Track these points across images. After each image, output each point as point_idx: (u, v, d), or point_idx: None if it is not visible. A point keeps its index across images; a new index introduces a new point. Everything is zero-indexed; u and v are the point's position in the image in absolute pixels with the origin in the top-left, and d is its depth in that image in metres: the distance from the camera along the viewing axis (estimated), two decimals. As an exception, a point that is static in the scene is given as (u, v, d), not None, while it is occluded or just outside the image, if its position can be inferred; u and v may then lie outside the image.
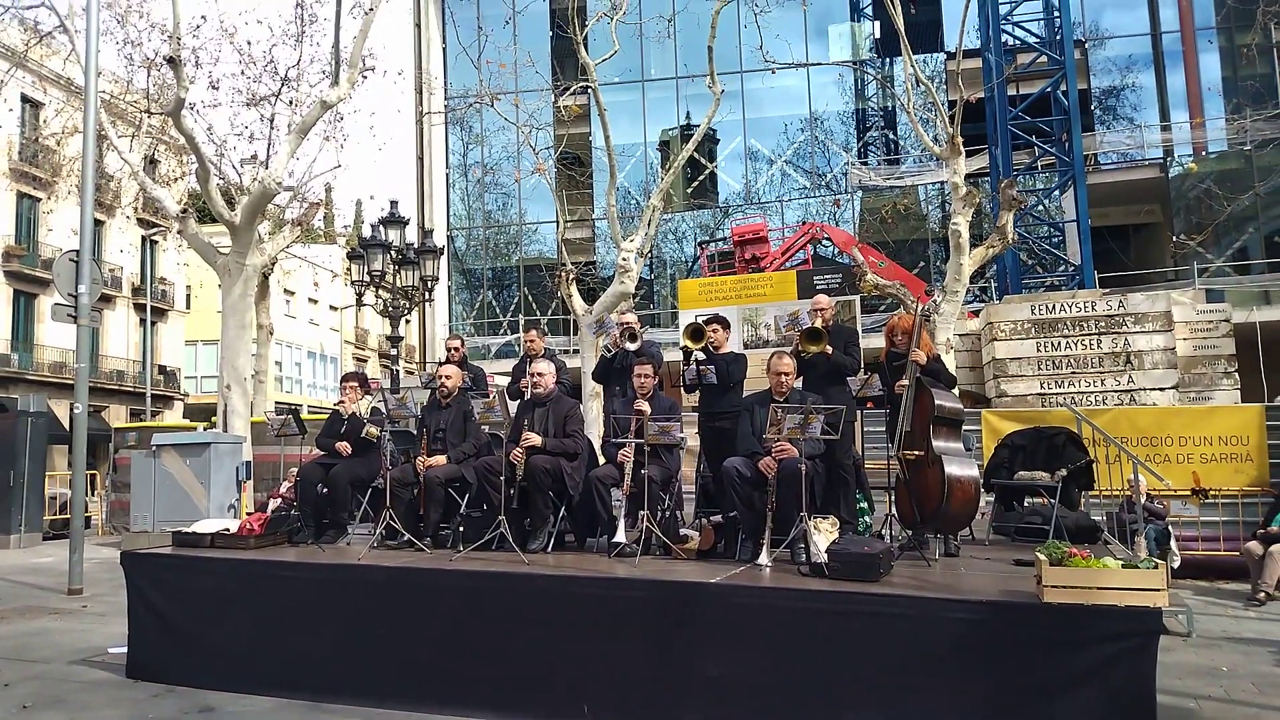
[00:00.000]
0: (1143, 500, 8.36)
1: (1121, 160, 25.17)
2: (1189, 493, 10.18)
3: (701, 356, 6.64)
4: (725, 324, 7.05)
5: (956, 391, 6.50)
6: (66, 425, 24.95)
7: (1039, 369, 12.63)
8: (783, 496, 5.33)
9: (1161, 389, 12.46)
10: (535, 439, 5.98)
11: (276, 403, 27.87)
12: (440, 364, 7.50)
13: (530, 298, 28.81)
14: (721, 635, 4.56)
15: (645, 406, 5.85)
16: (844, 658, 4.32)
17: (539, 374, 6.24)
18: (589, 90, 14.19)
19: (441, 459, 6.35)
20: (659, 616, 4.69)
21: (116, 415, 30.78)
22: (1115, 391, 12.49)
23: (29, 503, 13.92)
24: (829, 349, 6.30)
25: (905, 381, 5.66)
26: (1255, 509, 10.05)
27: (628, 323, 7.25)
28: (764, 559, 5.15)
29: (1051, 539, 6.34)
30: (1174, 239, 22.22)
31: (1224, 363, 12.80)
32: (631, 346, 7.01)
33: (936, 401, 5.55)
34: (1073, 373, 12.59)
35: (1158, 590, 4.00)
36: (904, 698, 4.18)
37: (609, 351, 7.20)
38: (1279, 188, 22.10)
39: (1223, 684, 5.74)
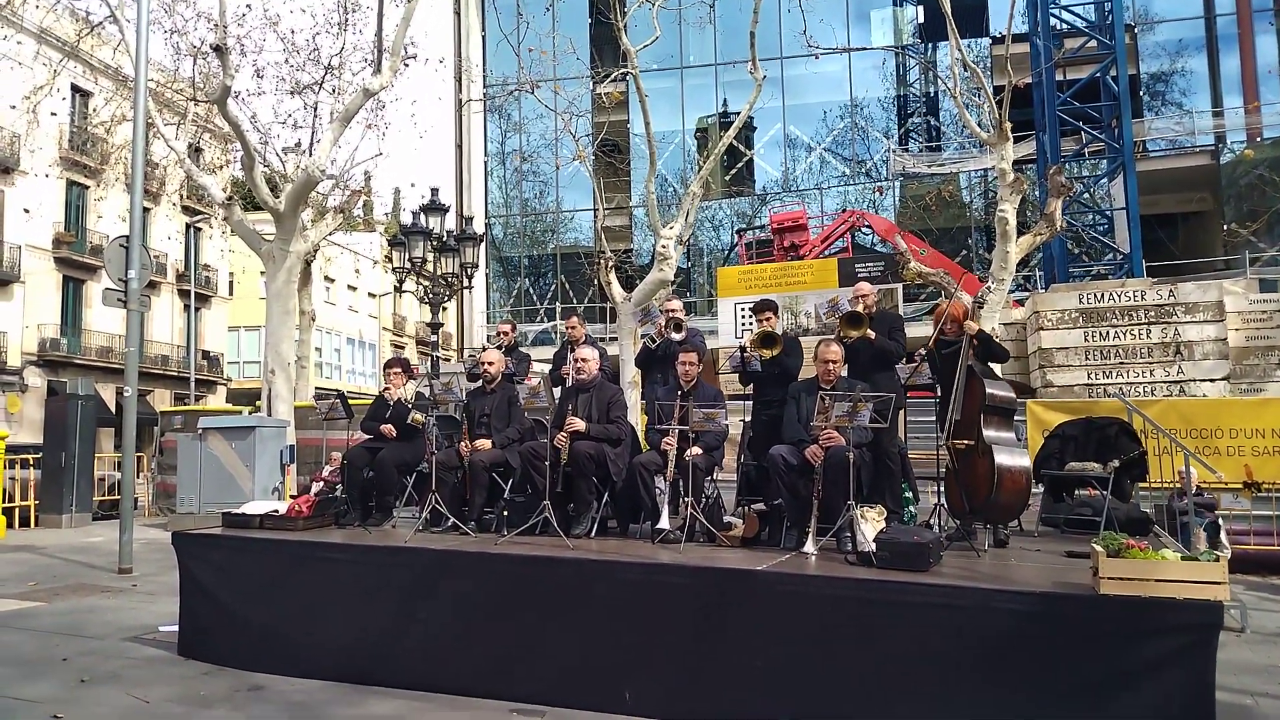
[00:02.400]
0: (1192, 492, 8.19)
1: (1171, 147, 24.63)
2: (1241, 486, 9.95)
3: (767, 355, 6.49)
4: (776, 309, 6.99)
5: (1004, 371, 6.39)
6: (113, 409, 25.60)
7: (1086, 359, 12.42)
8: (829, 485, 5.28)
9: (1212, 380, 12.21)
10: (579, 424, 5.98)
11: (317, 388, 28.23)
12: (483, 349, 7.53)
13: (567, 285, 28.88)
14: (767, 623, 4.52)
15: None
16: (892, 648, 4.27)
17: (583, 359, 6.23)
18: (629, 77, 14.14)
19: (486, 443, 6.38)
20: (704, 603, 4.67)
21: (161, 399, 31.38)
22: (1164, 382, 12.26)
23: (79, 484, 14.22)
24: (871, 333, 6.24)
25: (959, 360, 5.55)
26: (1310, 503, 9.81)
27: (673, 311, 7.22)
28: (810, 547, 5.11)
29: (1104, 531, 6.27)
30: (1226, 227, 21.69)
31: (1277, 353, 12.50)
32: (677, 336, 6.97)
33: (988, 390, 5.47)
34: (1120, 363, 12.37)
35: (1219, 583, 3.90)
36: (954, 689, 4.13)
37: (653, 341, 7.17)
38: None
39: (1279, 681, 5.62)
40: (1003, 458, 5.31)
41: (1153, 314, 12.35)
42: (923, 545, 4.65)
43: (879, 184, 26.28)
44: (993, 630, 4.10)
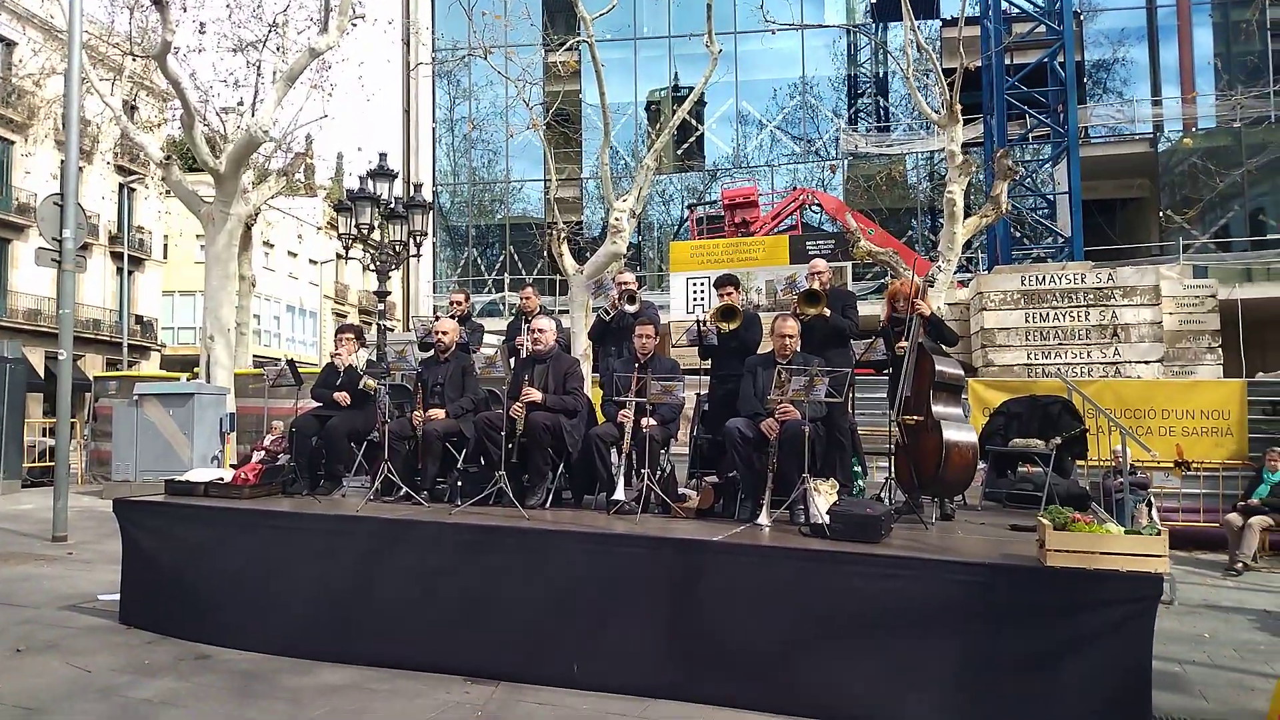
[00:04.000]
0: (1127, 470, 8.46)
1: (1111, 134, 25.18)
2: (1172, 465, 10.32)
3: (724, 329, 6.51)
4: (737, 284, 7.01)
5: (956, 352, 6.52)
6: (42, 373, 24.73)
7: (1026, 339, 12.74)
8: (784, 458, 5.34)
9: (1146, 362, 12.62)
10: (536, 394, 5.95)
11: (256, 356, 27.60)
12: (435, 318, 7.43)
13: (516, 256, 28.61)
14: (721, 593, 4.57)
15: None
16: (845, 618, 4.35)
17: (540, 330, 6.19)
18: (583, 45, 13.97)
19: (440, 413, 6.31)
20: (659, 573, 4.70)
21: (93, 365, 30.40)
22: (1101, 364, 12.64)
23: (8, 450, 13.77)
24: (827, 311, 6.31)
25: (905, 344, 5.65)
26: (1235, 482, 10.24)
27: (627, 284, 7.21)
28: (764, 519, 5.17)
29: (1045, 506, 6.45)
30: (1162, 214, 22.32)
31: (1208, 338, 12.95)
32: (631, 309, 6.99)
33: (937, 367, 5.56)
34: (1060, 344, 12.72)
35: (1159, 556, 4.05)
36: (904, 658, 4.22)
37: (606, 314, 7.16)
38: (1266, 165, 22.20)
39: (1205, 650, 5.87)
40: (951, 433, 5.42)
41: (1091, 297, 12.70)
42: (874, 518, 4.74)
43: (831, 162, 26.44)
44: (942, 601, 4.20)
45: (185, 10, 14.89)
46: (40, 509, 11.47)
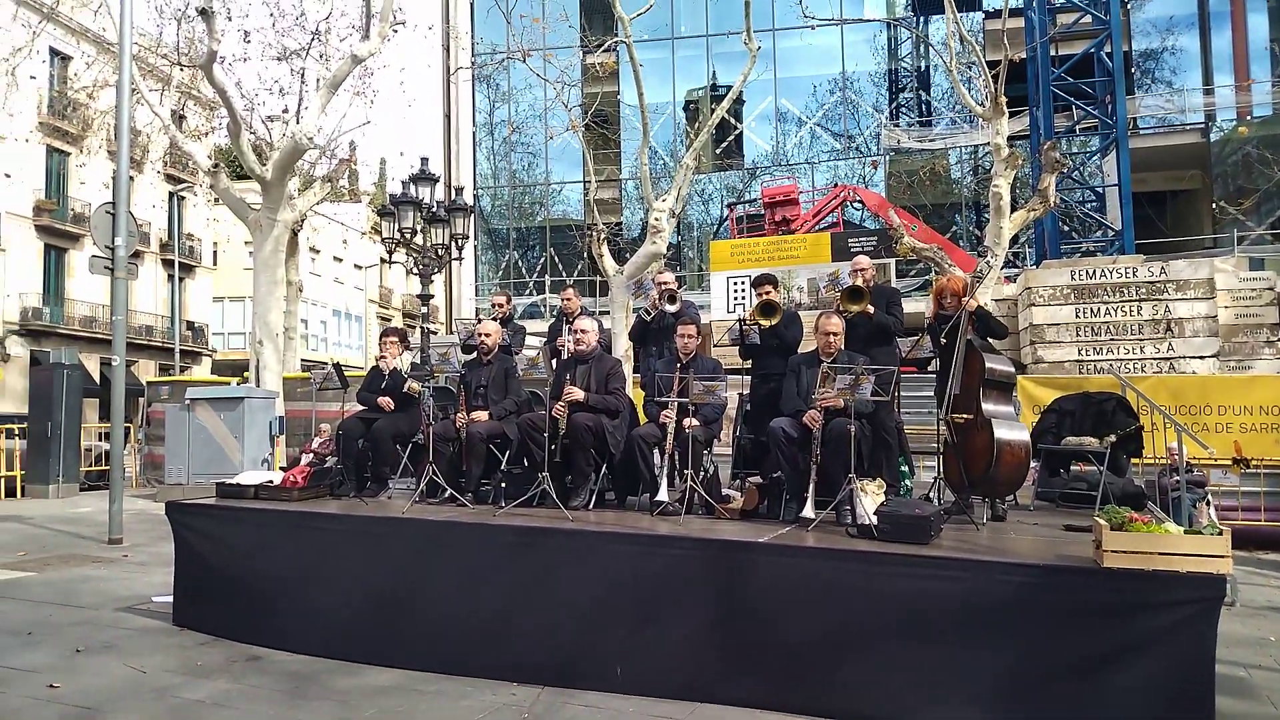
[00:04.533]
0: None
1: (1160, 125, 24.61)
2: (1230, 462, 10.04)
3: (765, 325, 6.50)
4: (775, 283, 6.96)
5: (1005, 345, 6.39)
6: (97, 379, 25.35)
7: (1077, 335, 12.47)
8: (829, 457, 5.28)
9: (1201, 357, 12.29)
10: (578, 393, 5.94)
11: (304, 360, 28.05)
12: (477, 320, 7.46)
13: (556, 258, 28.71)
14: (768, 596, 4.52)
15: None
16: (894, 621, 4.28)
17: (582, 331, 6.18)
18: (620, 46, 13.96)
19: (483, 415, 6.33)
20: (704, 575, 4.66)
21: (145, 370, 31.10)
22: (1154, 359, 12.34)
23: (66, 454, 14.12)
24: (870, 309, 6.22)
25: (958, 334, 5.54)
26: (1298, 479, 9.93)
27: (667, 284, 7.19)
28: (809, 511, 5.12)
29: (1099, 505, 6.30)
30: (1216, 205, 21.75)
31: (1266, 331, 12.58)
32: (671, 308, 6.95)
33: (987, 364, 5.46)
34: (1111, 339, 12.43)
35: (1221, 557, 3.93)
36: (956, 662, 4.14)
37: (647, 314, 7.13)
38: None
39: (1272, 654, 5.69)
40: (1002, 432, 5.31)
41: (1144, 291, 12.40)
42: (924, 518, 4.65)
43: (873, 158, 26.15)
44: (995, 603, 4.11)
45: (230, 19, 15.15)
46: (97, 512, 11.73)
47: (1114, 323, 12.44)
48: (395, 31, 13.93)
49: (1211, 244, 20.68)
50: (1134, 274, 12.47)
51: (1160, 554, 3.96)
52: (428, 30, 17.11)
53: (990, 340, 5.77)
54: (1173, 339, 12.26)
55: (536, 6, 16.51)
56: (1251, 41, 23.42)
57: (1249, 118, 23.14)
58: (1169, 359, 12.28)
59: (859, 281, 6.35)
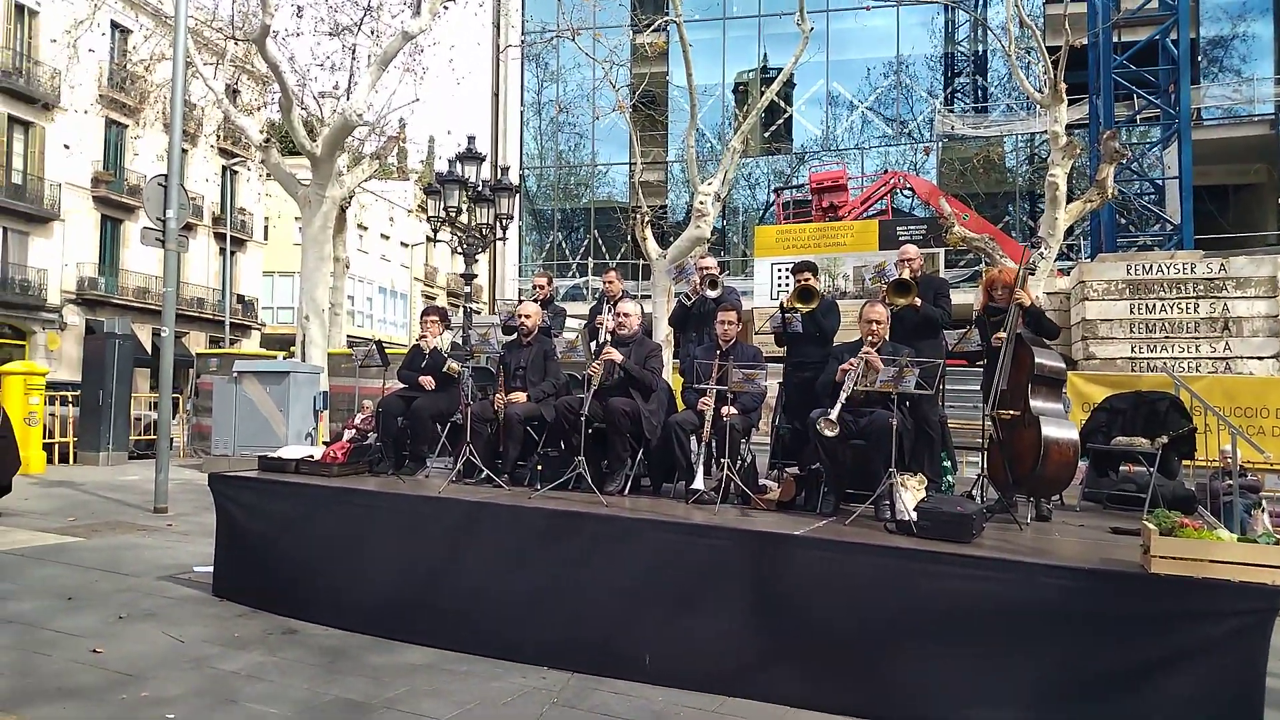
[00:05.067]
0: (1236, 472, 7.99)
1: (1226, 116, 23.80)
2: (1287, 467, 9.73)
3: (795, 307, 6.48)
4: (816, 271, 6.86)
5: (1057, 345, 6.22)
6: (149, 349, 25.92)
7: (1130, 331, 12.16)
8: (870, 450, 5.19)
9: (1260, 358, 11.91)
10: (616, 354, 5.92)
11: (349, 336, 28.41)
12: (518, 301, 7.45)
13: (600, 240, 28.67)
14: (804, 589, 4.46)
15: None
16: (932, 620, 4.19)
17: (624, 314, 6.13)
18: (670, 26, 13.82)
19: (521, 396, 6.33)
20: (738, 566, 4.61)
21: (196, 342, 31.74)
22: (1210, 358, 11.98)
23: (116, 423, 14.42)
24: (918, 301, 6.09)
25: (1004, 334, 5.41)
26: (1358, 487, 9.59)
27: (709, 269, 7.11)
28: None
29: (1148, 508, 6.12)
30: (1281, 200, 21.03)
31: (1330, 332, 12.15)
32: (713, 294, 6.88)
33: (1037, 360, 5.31)
34: (1166, 337, 12.10)
35: (1277, 567, 3.77)
36: (994, 665, 4.05)
37: (688, 299, 7.06)
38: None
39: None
40: (1050, 429, 5.17)
41: (1202, 288, 12.03)
42: (965, 516, 4.55)
43: (926, 144, 25.63)
44: (1037, 606, 4.00)
45: (284, -5, 15.27)
46: (144, 480, 11.97)
47: (1170, 319, 12.10)
48: (446, 9, 13.95)
49: (1276, 240, 20.01)
50: (1192, 270, 12.10)
51: (1211, 561, 3.82)
52: (478, 7, 17.09)
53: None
54: (1230, 338, 11.89)
55: (586, -16, 16.37)
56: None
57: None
58: (1225, 359, 11.92)
59: (906, 272, 6.22)
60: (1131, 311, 12.10)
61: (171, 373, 9.99)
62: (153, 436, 16.60)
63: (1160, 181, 20.48)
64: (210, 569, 6.35)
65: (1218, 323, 11.83)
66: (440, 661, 4.90)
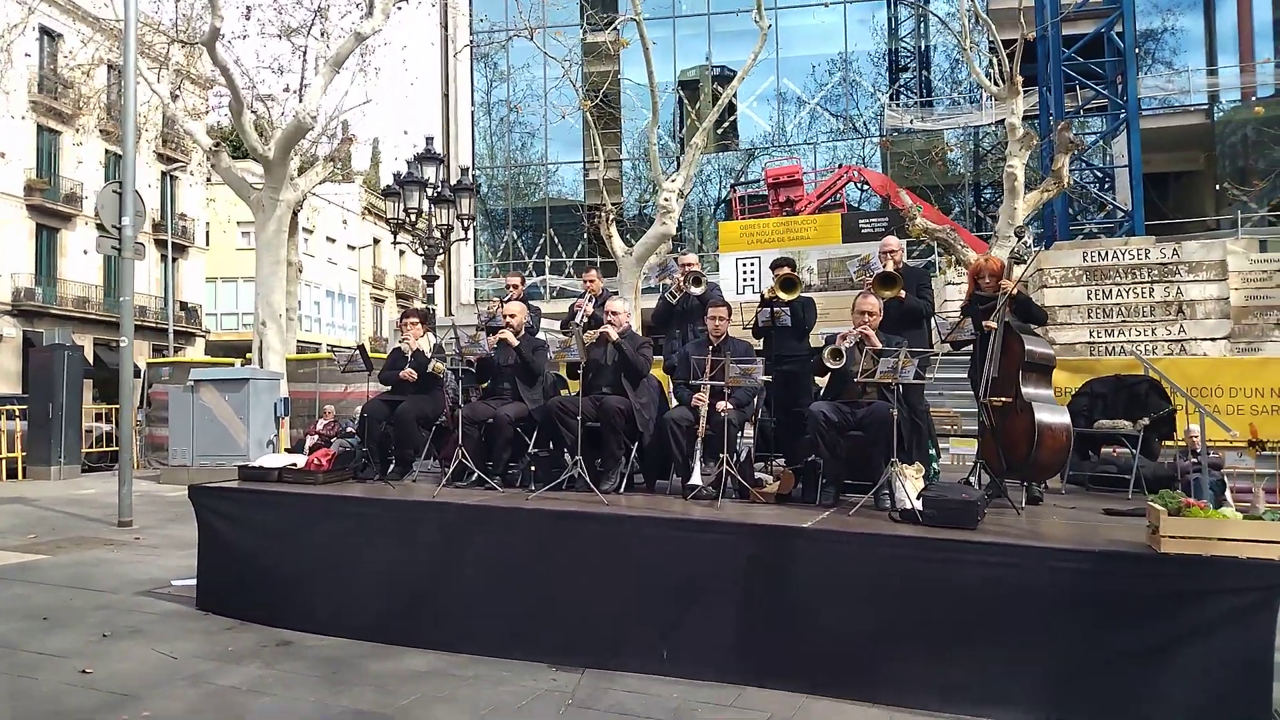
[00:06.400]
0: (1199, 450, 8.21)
1: (1161, 106, 24.51)
2: (1245, 444, 10.01)
3: (777, 297, 6.55)
4: (792, 265, 6.91)
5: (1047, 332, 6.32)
6: (91, 360, 25.10)
7: (1089, 317, 12.41)
8: (869, 442, 5.22)
9: (1213, 339, 12.25)
10: (613, 332, 5.90)
11: (298, 341, 27.83)
12: (502, 301, 7.37)
13: (556, 239, 28.52)
14: (813, 581, 4.46)
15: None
16: (943, 607, 4.22)
17: (613, 313, 6.08)
18: (625, 25, 13.78)
19: (509, 334, 6.28)
20: (748, 559, 4.60)
21: (139, 351, 30.78)
22: (1166, 341, 12.28)
23: (68, 436, 13.97)
24: (903, 293, 6.15)
25: (993, 322, 5.47)
26: (1312, 462, 9.92)
27: (691, 265, 7.10)
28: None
29: (1132, 488, 6.27)
30: (1221, 187, 21.69)
31: (1277, 313, 12.56)
32: (697, 291, 6.87)
33: (1027, 347, 5.37)
34: (1123, 321, 12.38)
35: (1281, 543, 3.87)
36: (1007, 649, 4.09)
37: (672, 296, 7.03)
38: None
39: (1305, 638, 5.65)
40: (1043, 415, 5.24)
41: (1156, 273, 12.34)
42: (971, 503, 4.59)
43: (884, 139, 25.93)
44: (1050, 589, 4.05)
45: (231, -4, 14.88)
46: (102, 493, 11.63)
47: (1126, 304, 12.39)
48: (399, 8, 13.74)
49: (1215, 225, 20.65)
50: (1146, 255, 12.40)
51: (1220, 540, 3.91)
52: (431, 7, 16.84)
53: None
54: (1184, 321, 12.22)
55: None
56: (1256, 21, 23.30)
57: (1253, 98, 23.06)
58: (1180, 340, 12.24)
59: (890, 264, 6.28)
60: (1089, 297, 12.37)
61: (131, 383, 9.68)
62: (104, 449, 16.15)
63: (1109, 170, 20.99)
64: (191, 582, 6.17)
65: (1172, 306, 12.16)
66: (445, 666, 4.81)
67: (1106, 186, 21.67)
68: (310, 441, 11.31)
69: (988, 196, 26.74)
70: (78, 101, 22.41)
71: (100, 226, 9.82)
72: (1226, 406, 10.68)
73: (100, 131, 26.17)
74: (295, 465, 6.15)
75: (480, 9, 25.77)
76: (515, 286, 8.25)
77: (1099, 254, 12.46)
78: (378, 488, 6.04)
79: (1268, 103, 22.47)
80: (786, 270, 6.72)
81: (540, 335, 7.21)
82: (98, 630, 5.39)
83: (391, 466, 6.49)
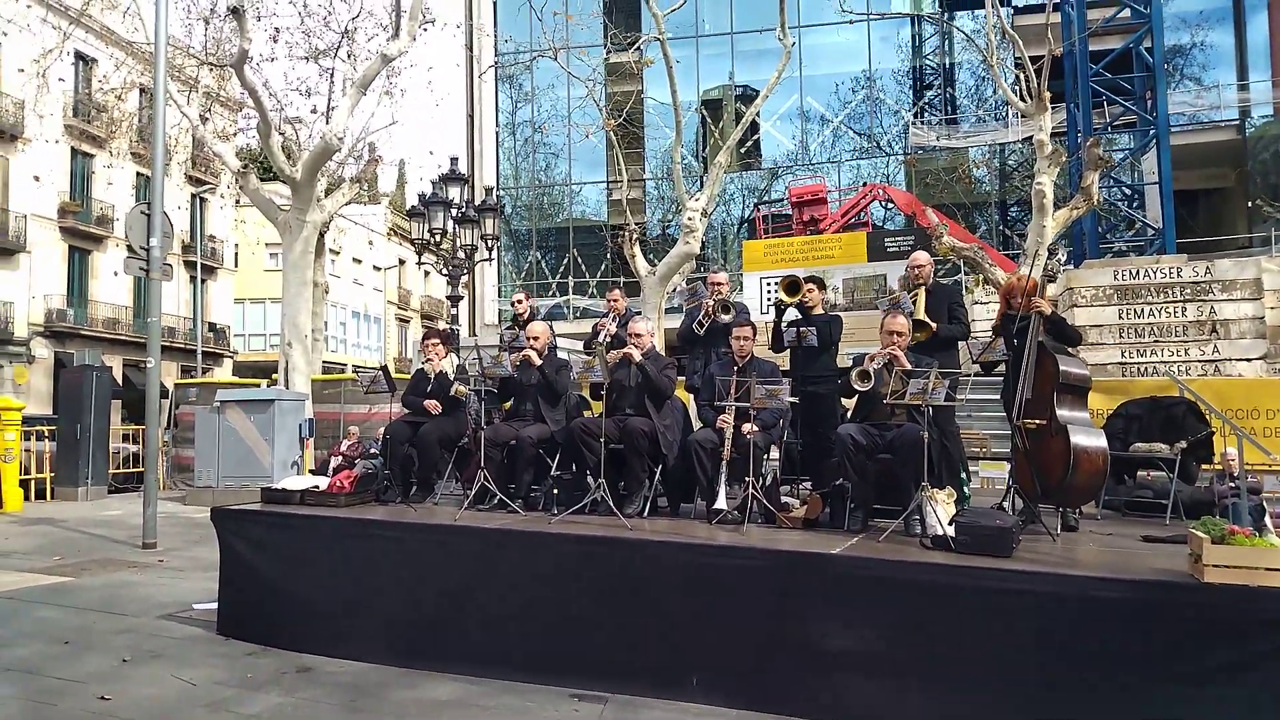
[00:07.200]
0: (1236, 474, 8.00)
1: (1190, 122, 24.23)
2: (1285, 467, 9.77)
3: (796, 316, 6.51)
4: (821, 284, 6.82)
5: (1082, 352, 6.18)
6: (120, 381, 25.37)
7: (1120, 337, 12.21)
8: (900, 465, 5.11)
9: (1248, 359, 12.00)
10: (636, 353, 5.84)
11: (325, 362, 27.99)
12: (524, 323, 7.33)
13: (579, 259, 28.57)
14: (844, 609, 4.35)
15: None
16: (978, 637, 4.09)
17: (637, 334, 6.01)
18: (649, 44, 13.80)
19: (535, 358, 6.24)
20: (776, 586, 4.50)
21: (167, 372, 31.12)
22: (1199, 361, 12.06)
23: (95, 457, 14.05)
24: (934, 326, 6.02)
25: (1029, 337, 5.34)
26: (1354, 485, 9.64)
27: (720, 286, 7.02)
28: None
29: (1170, 514, 6.10)
30: (1254, 203, 21.36)
31: (1314, 333, 12.29)
32: (726, 318, 6.73)
33: (1062, 368, 5.24)
34: (1155, 341, 12.16)
35: (1332, 572, 3.72)
36: (1049, 681, 3.95)
37: (700, 325, 6.91)
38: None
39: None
40: (1079, 438, 5.10)
41: (1188, 291, 12.12)
42: (1005, 530, 4.47)
43: (910, 156, 25.79)
44: (1091, 619, 3.91)
45: (260, 19, 15.08)
46: (128, 515, 11.66)
47: (1158, 324, 12.17)
48: (425, 30, 13.85)
49: (1248, 243, 20.32)
50: (1178, 274, 12.19)
51: (1266, 569, 3.76)
52: (456, 29, 17.00)
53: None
54: (1218, 340, 11.98)
55: (560, 1, 16.31)
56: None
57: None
58: (1214, 361, 12.00)
59: (918, 278, 6.18)
60: (1120, 317, 12.16)
61: (158, 404, 9.73)
62: (131, 469, 16.25)
63: (1138, 187, 20.73)
64: (212, 605, 6.13)
65: (1205, 325, 11.92)
66: (469, 695, 4.72)
67: (1136, 204, 21.38)
68: (334, 463, 11.30)
69: (1014, 214, 26.51)
70: (110, 125, 22.81)
71: (130, 248, 9.92)
72: (1264, 429, 10.42)
73: (132, 154, 26.54)
74: (317, 487, 6.12)
75: (505, 30, 26.00)
76: (518, 303, 8.26)
77: (1130, 272, 12.26)
78: (399, 510, 5.99)
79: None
80: (810, 292, 6.64)
81: (562, 354, 7.15)
82: (119, 655, 5.36)
83: (414, 489, 6.44)
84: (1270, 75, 22.77)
